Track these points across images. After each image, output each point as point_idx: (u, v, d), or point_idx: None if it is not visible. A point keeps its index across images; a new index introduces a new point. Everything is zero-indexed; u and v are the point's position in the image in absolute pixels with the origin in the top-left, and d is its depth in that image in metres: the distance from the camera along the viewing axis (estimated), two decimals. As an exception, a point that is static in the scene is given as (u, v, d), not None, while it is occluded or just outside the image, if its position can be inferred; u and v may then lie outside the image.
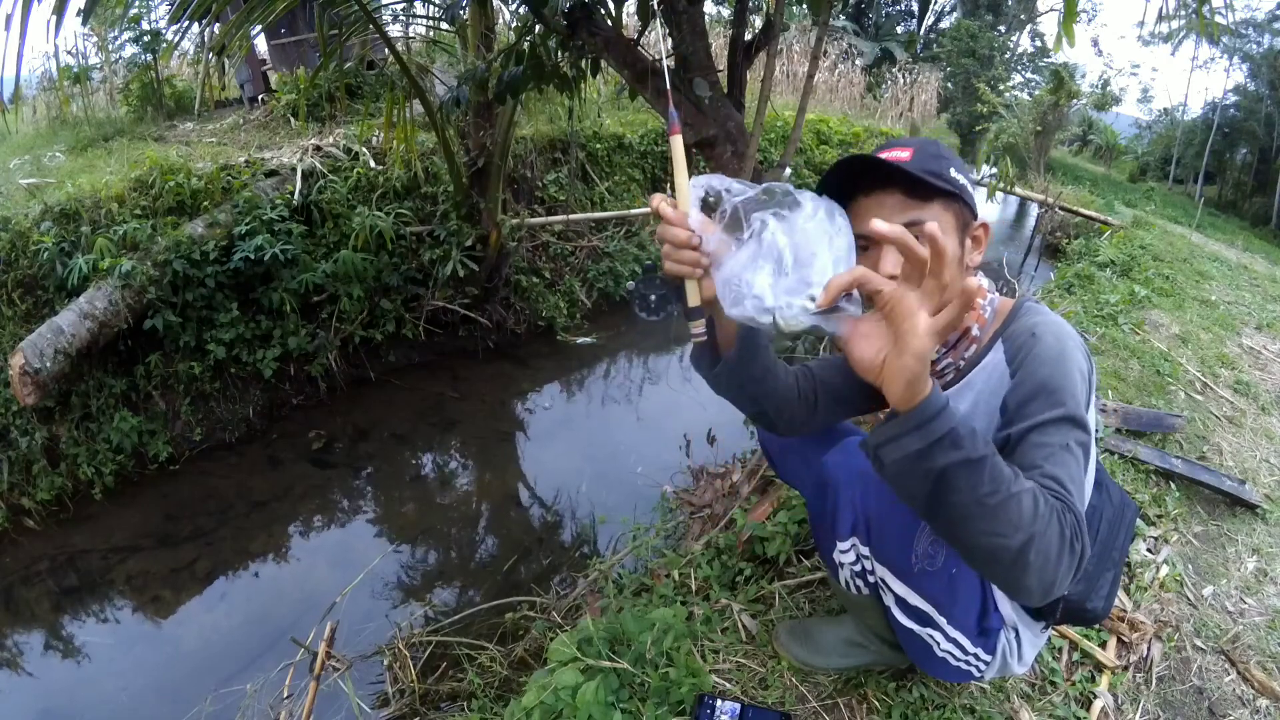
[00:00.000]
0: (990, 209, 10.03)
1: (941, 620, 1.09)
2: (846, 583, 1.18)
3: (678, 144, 0.80)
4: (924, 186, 0.94)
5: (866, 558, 1.11)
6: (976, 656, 1.12)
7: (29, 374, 2.87)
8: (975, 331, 1.02)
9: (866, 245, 0.94)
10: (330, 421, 3.88)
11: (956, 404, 1.02)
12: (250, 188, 3.85)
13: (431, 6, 4.05)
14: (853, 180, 0.97)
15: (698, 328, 0.88)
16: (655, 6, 2.16)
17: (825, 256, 0.76)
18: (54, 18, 1.97)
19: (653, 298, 1.01)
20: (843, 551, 1.12)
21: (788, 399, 1.09)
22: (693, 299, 0.84)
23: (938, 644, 1.11)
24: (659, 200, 0.81)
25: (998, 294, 1.07)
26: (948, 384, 1.04)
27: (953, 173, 0.97)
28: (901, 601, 1.10)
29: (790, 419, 1.11)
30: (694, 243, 0.79)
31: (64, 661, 2.49)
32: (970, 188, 1.00)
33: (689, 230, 0.79)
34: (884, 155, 0.97)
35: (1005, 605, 1.12)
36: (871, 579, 1.13)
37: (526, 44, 2.43)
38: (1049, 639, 1.57)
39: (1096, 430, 1.10)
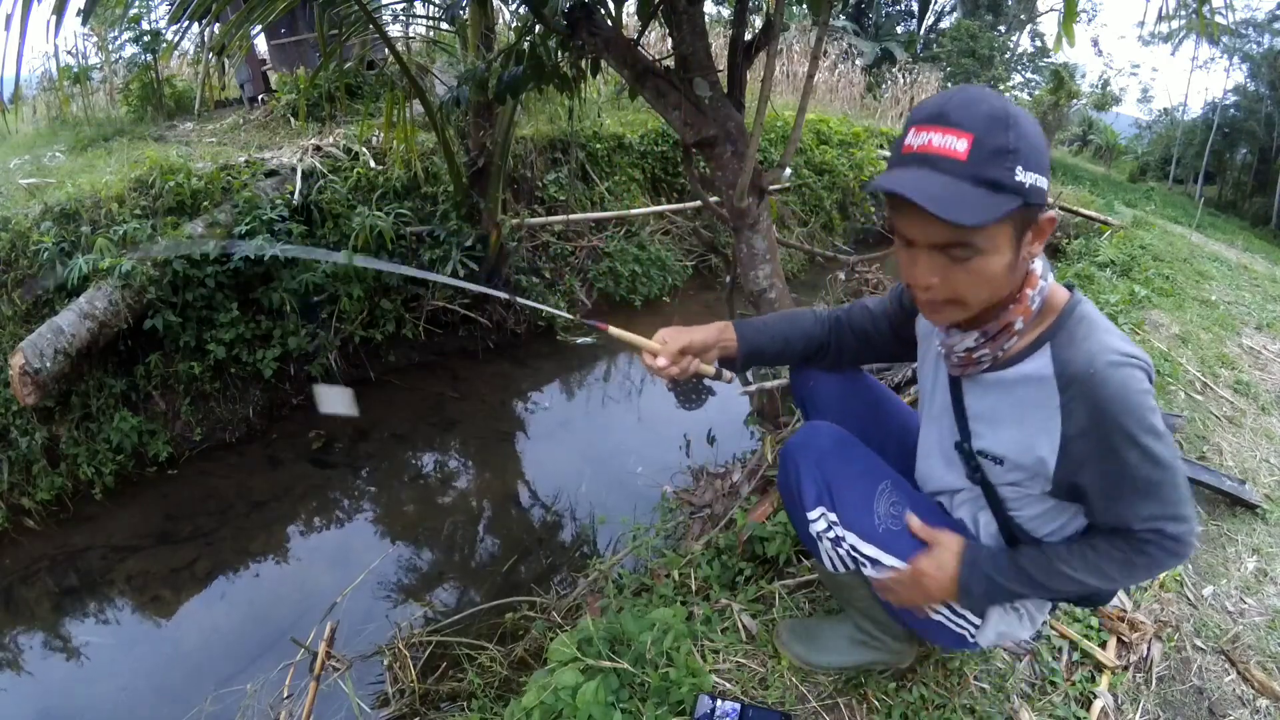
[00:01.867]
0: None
1: None
2: (829, 558, 1.19)
3: (618, 332, 1.19)
4: None
5: (835, 524, 1.14)
6: (965, 618, 1.14)
7: (29, 374, 2.87)
8: (1018, 325, 0.95)
9: (910, 241, 0.90)
10: (330, 421, 3.88)
11: (982, 398, 1.04)
12: (250, 188, 3.85)
13: (431, 6, 4.06)
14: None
15: (728, 377, 1.25)
16: (655, 6, 2.16)
17: None
18: (54, 18, 1.97)
19: (686, 394, 1.26)
20: (813, 521, 1.16)
21: (810, 355, 1.30)
22: (710, 373, 1.23)
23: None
24: (649, 363, 1.17)
25: (1049, 279, 0.97)
26: (982, 371, 1.01)
27: (1019, 174, 0.81)
28: (876, 564, 1.13)
29: (820, 364, 1.32)
30: (676, 370, 1.17)
31: (64, 661, 2.49)
32: (1042, 180, 0.84)
33: (672, 367, 1.16)
34: (935, 139, 0.83)
35: None
36: (845, 545, 1.15)
37: (526, 44, 2.43)
38: (1049, 639, 1.58)
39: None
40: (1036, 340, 0.96)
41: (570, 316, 1.24)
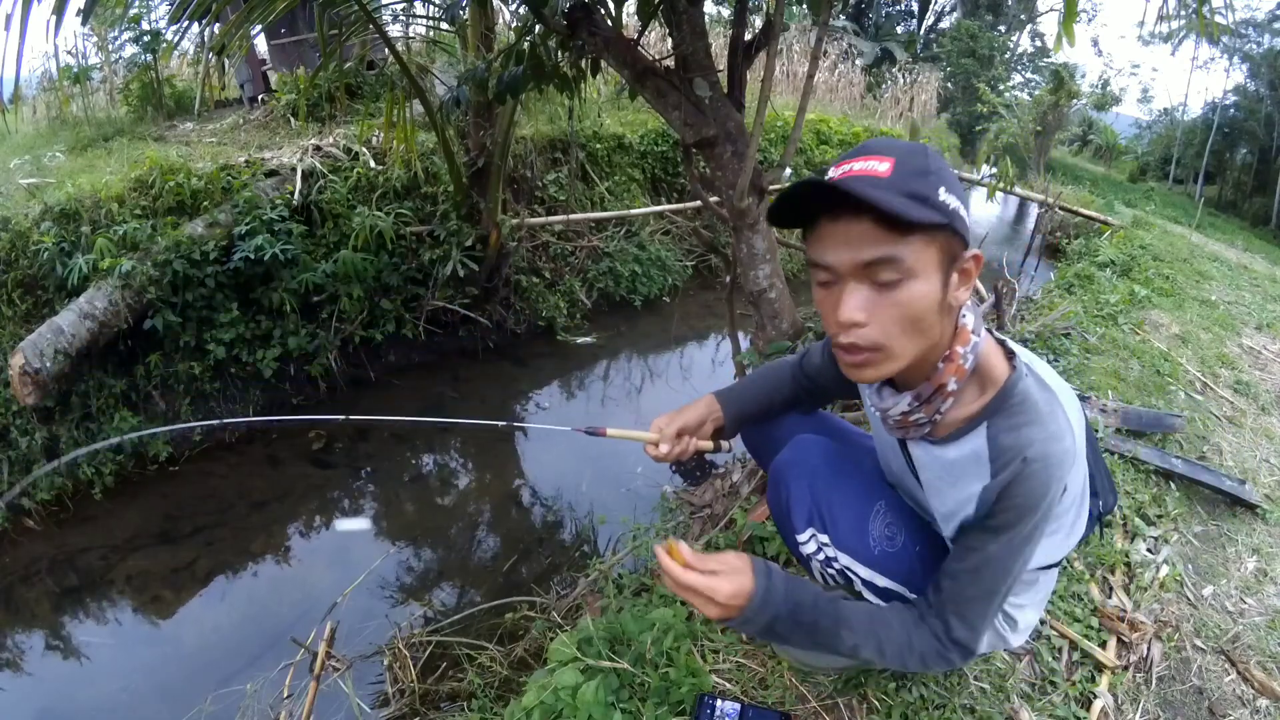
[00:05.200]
0: (990, 209, 10.04)
1: (914, 597, 1.09)
2: (821, 575, 1.18)
3: (615, 432, 1.25)
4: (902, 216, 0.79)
5: (827, 545, 1.12)
6: None
7: (29, 374, 2.87)
8: (951, 386, 0.91)
9: (829, 280, 0.86)
10: (330, 421, 3.88)
11: (927, 467, 1.03)
12: (250, 188, 3.85)
13: (431, 6, 4.06)
14: (819, 196, 0.83)
15: (727, 447, 1.30)
16: (655, 6, 2.16)
17: None
18: (54, 18, 1.97)
19: (689, 472, 1.38)
20: (803, 543, 1.15)
21: (790, 406, 1.35)
22: (709, 449, 1.27)
23: None
24: (652, 453, 1.23)
25: (982, 335, 0.93)
26: (924, 436, 1.00)
27: (942, 194, 0.81)
28: (870, 584, 1.11)
29: (797, 411, 1.36)
30: (678, 452, 1.22)
31: (64, 661, 2.49)
32: (963, 209, 0.84)
33: (674, 450, 1.21)
34: (856, 165, 0.82)
35: None
36: (838, 566, 1.13)
37: (526, 44, 2.43)
38: (1049, 639, 1.58)
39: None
40: (976, 417, 0.94)
41: (565, 428, 1.31)
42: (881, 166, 0.80)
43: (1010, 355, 0.96)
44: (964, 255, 0.86)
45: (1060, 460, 0.89)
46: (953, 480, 0.97)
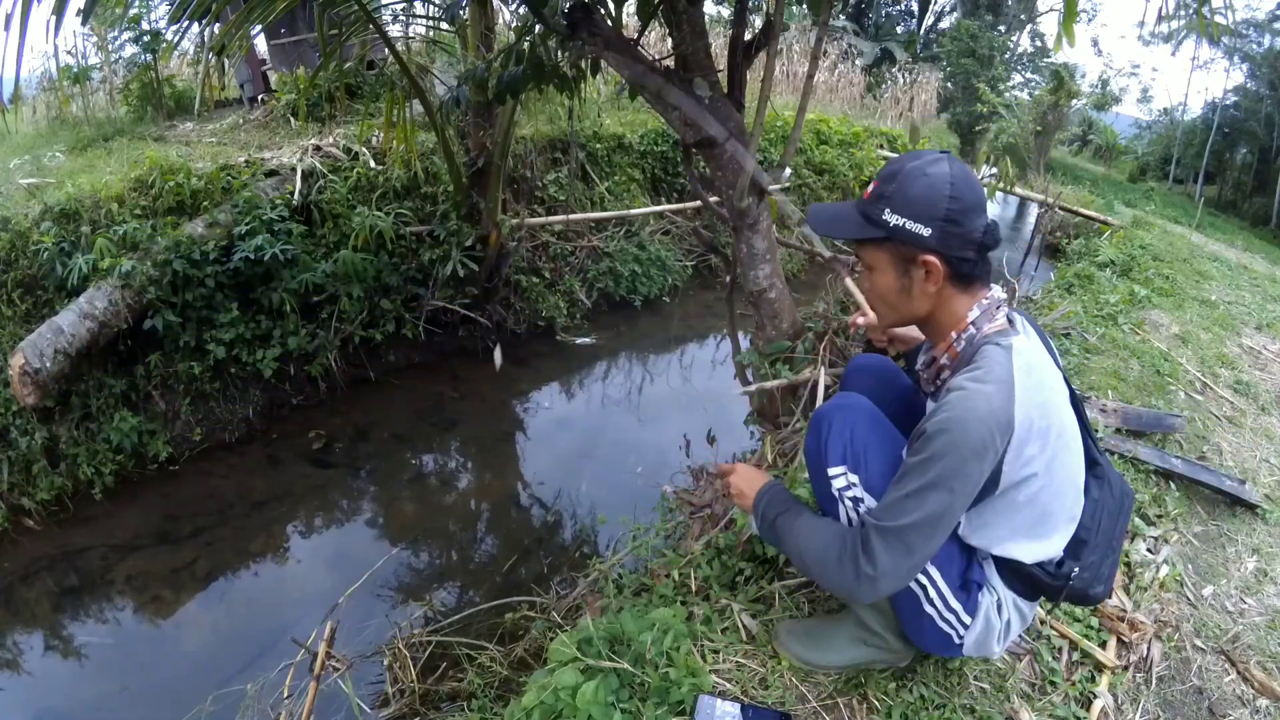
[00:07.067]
0: (990, 208, 10.04)
1: None
2: (847, 514, 1.23)
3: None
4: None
5: (856, 485, 1.20)
6: (957, 616, 1.17)
7: (29, 374, 2.87)
8: (944, 360, 1.16)
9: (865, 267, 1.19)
10: (330, 421, 3.88)
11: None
12: (250, 188, 3.85)
13: (431, 6, 4.06)
14: None
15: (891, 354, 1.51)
16: (655, 6, 2.16)
17: None
18: (54, 18, 1.97)
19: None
20: (834, 477, 1.21)
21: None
22: (911, 340, 1.43)
23: (925, 591, 1.17)
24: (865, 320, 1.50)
25: (981, 328, 1.11)
26: (931, 396, 1.24)
27: (885, 214, 1.08)
28: None
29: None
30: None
31: (64, 661, 2.49)
32: (911, 224, 1.06)
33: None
34: (870, 185, 1.14)
35: (992, 572, 1.19)
36: (864, 506, 1.19)
37: (526, 44, 2.44)
38: (1049, 639, 1.58)
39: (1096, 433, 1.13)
40: (954, 375, 1.12)
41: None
42: (870, 189, 1.12)
43: (1003, 333, 1.11)
44: (918, 258, 1.09)
45: (978, 408, 1.00)
46: None
